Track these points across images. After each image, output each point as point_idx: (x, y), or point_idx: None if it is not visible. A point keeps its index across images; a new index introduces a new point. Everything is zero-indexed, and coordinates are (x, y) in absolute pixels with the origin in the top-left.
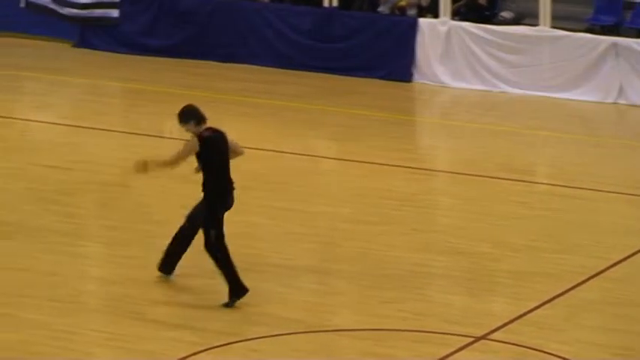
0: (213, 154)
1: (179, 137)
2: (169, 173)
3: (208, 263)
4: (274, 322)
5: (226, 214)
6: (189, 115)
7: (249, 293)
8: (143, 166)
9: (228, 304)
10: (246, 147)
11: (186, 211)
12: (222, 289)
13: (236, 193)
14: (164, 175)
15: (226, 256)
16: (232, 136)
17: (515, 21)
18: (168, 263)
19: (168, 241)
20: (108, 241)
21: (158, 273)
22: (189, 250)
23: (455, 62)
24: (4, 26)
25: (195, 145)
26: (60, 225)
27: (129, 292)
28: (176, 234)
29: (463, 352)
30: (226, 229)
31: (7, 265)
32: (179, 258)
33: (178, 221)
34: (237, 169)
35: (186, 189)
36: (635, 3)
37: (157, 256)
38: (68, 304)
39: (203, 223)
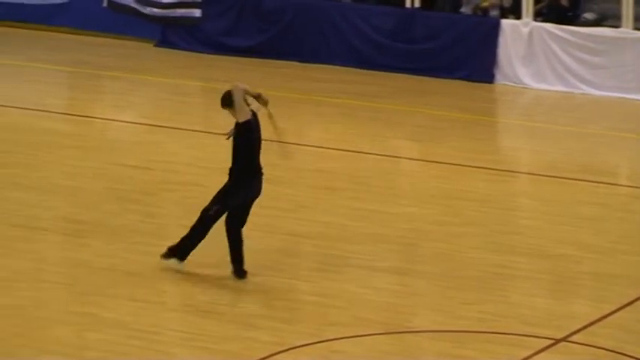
0: (247, 140)
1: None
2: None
3: (287, 265)
4: (355, 322)
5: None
6: (230, 100)
7: (331, 293)
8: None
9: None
10: (327, 147)
11: (260, 210)
12: (303, 288)
13: (264, 180)
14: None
15: (239, 239)
16: (316, 135)
17: (598, 22)
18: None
19: (246, 240)
20: None
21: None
22: (268, 251)
23: (537, 63)
24: (86, 25)
25: (246, 114)
26: (140, 224)
27: (208, 292)
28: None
29: (543, 354)
30: (308, 229)
31: (88, 265)
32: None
33: (255, 220)
34: (319, 168)
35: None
36: None
37: None
38: (148, 303)
39: (219, 196)
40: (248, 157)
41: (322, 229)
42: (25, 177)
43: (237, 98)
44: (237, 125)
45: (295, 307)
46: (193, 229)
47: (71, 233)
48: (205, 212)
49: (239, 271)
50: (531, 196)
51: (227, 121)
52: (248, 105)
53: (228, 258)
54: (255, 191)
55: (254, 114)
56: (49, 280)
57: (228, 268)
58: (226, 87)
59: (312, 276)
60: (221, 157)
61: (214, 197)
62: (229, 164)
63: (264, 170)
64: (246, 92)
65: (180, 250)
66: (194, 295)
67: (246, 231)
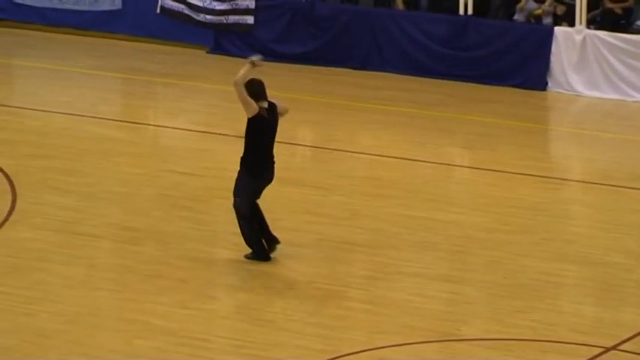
0: (258, 133)
1: (310, 144)
2: (296, 181)
3: (339, 272)
4: (405, 330)
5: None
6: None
7: (381, 301)
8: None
9: (247, 256)
10: (379, 155)
11: (311, 217)
12: (354, 296)
13: (276, 168)
14: (290, 182)
15: (251, 226)
16: (368, 143)
17: None
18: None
19: (294, 248)
20: (236, 249)
21: (285, 280)
22: (320, 259)
23: (589, 71)
24: (140, 32)
25: (254, 109)
26: (191, 231)
27: (258, 300)
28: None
29: None
30: (359, 237)
31: (139, 272)
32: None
33: (304, 228)
34: (371, 176)
35: (312, 196)
36: None
37: (285, 262)
38: (199, 310)
39: (235, 187)
40: (259, 149)
41: (374, 237)
42: (76, 183)
43: (240, 94)
44: (247, 120)
45: (346, 314)
46: (240, 227)
47: (123, 240)
48: (234, 207)
49: (262, 256)
50: (582, 204)
51: (280, 129)
52: (265, 98)
53: (293, 261)
54: (268, 179)
55: (270, 107)
56: (100, 286)
57: (284, 279)
58: (278, 94)
59: (363, 283)
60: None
61: (234, 189)
62: (283, 173)
63: (275, 159)
64: (244, 80)
65: (254, 251)
66: (244, 302)
67: (295, 237)
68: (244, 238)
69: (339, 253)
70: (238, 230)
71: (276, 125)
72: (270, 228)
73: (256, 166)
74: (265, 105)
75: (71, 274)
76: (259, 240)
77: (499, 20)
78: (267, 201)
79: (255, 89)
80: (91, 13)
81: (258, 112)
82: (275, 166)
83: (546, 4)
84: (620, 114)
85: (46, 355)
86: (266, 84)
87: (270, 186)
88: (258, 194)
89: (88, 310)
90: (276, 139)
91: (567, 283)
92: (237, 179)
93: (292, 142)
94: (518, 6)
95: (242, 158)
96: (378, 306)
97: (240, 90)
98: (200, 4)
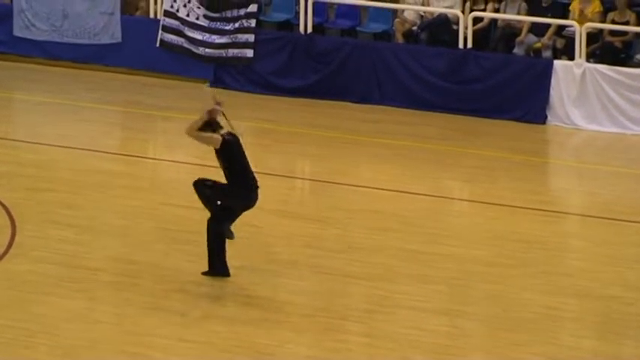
0: (233, 158)
1: (309, 177)
2: (294, 214)
3: (337, 305)
4: None
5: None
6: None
7: (379, 334)
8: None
9: (205, 273)
10: (379, 188)
11: (309, 251)
12: (353, 329)
13: (260, 192)
14: (288, 215)
15: (222, 242)
16: (367, 176)
17: None
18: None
19: (292, 281)
20: (235, 281)
21: (285, 313)
22: (318, 292)
23: (589, 104)
24: (139, 65)
25: (218, 139)
26: (190, 265)
27: (257, 332)
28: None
29: None
30: (358, 270)
31: (138, 305)
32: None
33: (303, 261)
34: (370, 209)
35: (312, 229)
36: None
37: (283, 296)
38: (198, 344)
39: (213, 197)
40: (239, 172)
41: (372, 270)
42: (76, 216)
43: (198, 138)
44: (217, 152)
45: (344, 347)
46: (211, 242)
47: (122, 273)
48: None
49: (215, 271)
50: (582, 238)
51: (280, 162)
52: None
53: (291, 295)
54: (254, 199)
55: (229, 132)
56: (100, 319)
57: (282, 311)
58: (277, 127)
59: (362, 316)
60: (274, 197)
61: (214, 207)
62: (282, 205)
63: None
64: (196, 126)
65: (211, 264)
66: (243, 335)
67: (293, 270)
68: (211, 253)
69: (337, 285)
70: (237, 263)
71: (243, 151)
72: (268, 260)
73: (242, 189)
74: (224, 131)
75: (71, 307)
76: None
77: (498, 53)
78: (265, 233)
79: (212, 123)
80: (90, 46)
81: (223, 139)
82: (259, 190)
83: (546, 37)
84: (620, 147)
85: None
86: (264, 117)
87: (268, 218)
88: (237, 216)
89: (88, 343)
90: (275, 171)
91: (567, 316)
92: (223, 197)
93: (291, 175)
94: (518, 39)
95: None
96: (377, 339)
97: (196, 135)
98: (200, 37)
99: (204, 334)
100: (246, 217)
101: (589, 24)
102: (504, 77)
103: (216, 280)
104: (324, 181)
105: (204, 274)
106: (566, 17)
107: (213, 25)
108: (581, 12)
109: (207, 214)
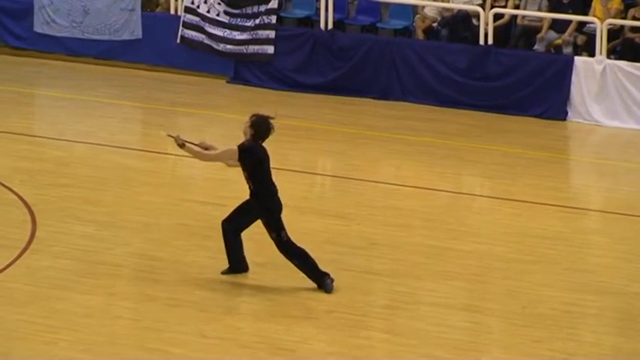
0: (255, 163)
1: (330, 174)
2: (315, 210)
3: (359, 302)
4: None
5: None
6: (257, 125)
7: (401, 330)
8: (179, 142)
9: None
10: (400, 184)
11: (332, 247)
12: (374, 325)
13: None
14: (309, 211)
15: (301, 252)
16: (388, 172)
17: None
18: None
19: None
20: (257, 277)
21: (306, 309)
22: (339, 288)
23: (609, 101)
24: (160, 61)
25: (234, 153)
26: (211, 261)
27: (278, 329)
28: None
29: None
30: (379, 266)
31: (159, 300)
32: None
33: (324, 257)
34: (391, 205)
35: (332, 225)
36: None
37: (305, 292)
38: (219, 340)
39: (270, 230)
40: (265, 178)
41: (393, 266)
42: (97, 212)
43: (218, 159)
44: (242, 159)
45: (366, 344)
46: (297, 264)
47: (142, 269)
48: (281, 249)
49: (327, 281)
50: (603, 234)
51: (300, 158)
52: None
53: (312, 291)
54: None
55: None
56: (120, 315)
57: (304, 308)
58: (298, 124)
59: (383, 313)
60: (292, 192)
61: (273, 229)
62: (303, 202)
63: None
64: (203, 149)
65: (315, 281)
66: (264, 331)
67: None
68: (309, 275)
69: (358, 282)
70: (258, 259)
71: (268, 157)
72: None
73: (268, 195)
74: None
75: (91, 303)
76: (319, 270)
77: (519, 50)
78: (287, 230)
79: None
80: (111, 42)
81: (243, 144)
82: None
83: (566, 34)
84: None
85: None
86: (284, 114)
87: (289, 215)
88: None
89: (108, 339)
90: (296, 168)
91: (588, 313)
92: (266, 219)
93: (312, 171)
94: (539, 36)
95: (253, 193)
96: (398, 335)
97: (213, 156)
98: (220, 33)
99: (225, 330)
100: None
101: (610, 20)
102: (525, 74)
103: (237, 277)
104: (345, 178)
105: (224, 272)
106: (586, 14)
107: (233, 21)
108: (605, 7)
109: (231, 209)
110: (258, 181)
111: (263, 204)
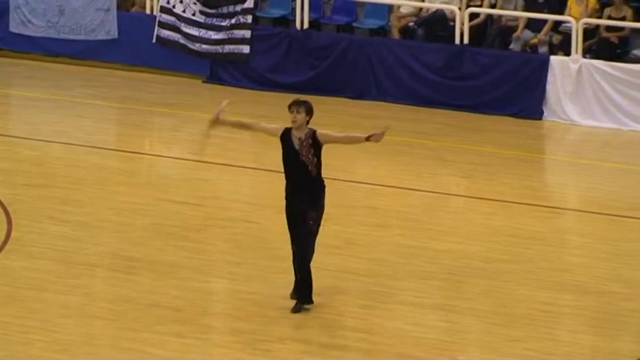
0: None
1: None
2: None
3: (335, 301)
4: (402, 359)
5: (356, 251)
6: (311, 109)
7: (378, 330)
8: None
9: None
10: (377, 184)
11: None
12: (350, 325)
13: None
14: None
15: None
16: (365, 172)
17: None
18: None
19: (291, 277)
20: (233, 277)
21: (282, 309)
22: (316, 288)
23: (585, 100)
24: (136, 61)
25: (280, 129)
26: (187, 261)
27: (255, 329)
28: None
29: None
30: (356, 266)
31: (135, 301)
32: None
33: None
34: (368, 205)
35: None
36: None
37: (281, 291)
38: (195, 339)
39: (317, 225)
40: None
41: (370, 266)
42: (73, 212)
43: (256, 128)
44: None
45: (343, 343)
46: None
47: (118, 269)
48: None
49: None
50: (579, 233)
51: (277, 158)
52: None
53: (288, 291)
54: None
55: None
56: (96, 315)
57: (279, 307)
58: (273, 123)
59: (360, 312)
60: (269, 192)
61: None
62: (280, 201)
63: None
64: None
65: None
66: (241, 331)
67: (291, 266)
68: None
69: (335, 281)
70: (233, 259)
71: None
72: (266, 256)
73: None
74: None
75: (67, 303)
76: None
77: (495, 49)
78: (263, 229)
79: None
80: (87, 42)
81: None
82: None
83: (542, 33)
84: (617, 143)
85: None
86: (260, 113)
87: (266, 214)
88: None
89: (84, 339)
90: (273, 168)
91: (564, 312)
92: (317, 214)
93: None
94: (514, 35)
95: (313, 183)
96: (375, 335)
97: (259, 129)
98: (196, 33)
99: (201, 330)
100: (243, 213)
101: (585, 20)
102: (501, 73)
103: (213, 277)
104: (323, 177)
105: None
106: (562, 13)
107: (209, 21)
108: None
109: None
110: (320, 170)
111: (321, 197)
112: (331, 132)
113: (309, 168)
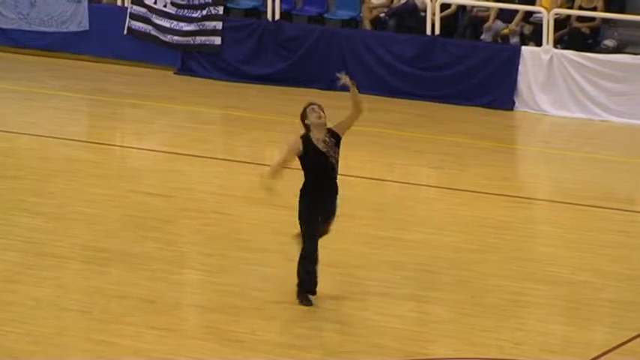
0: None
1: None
2: (263, 200)
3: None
4: (373, 349)
5: (326, 242)
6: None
7: (349, 320)
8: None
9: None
10: (347, 175)
11: (280, 238)
12: (322, 316)
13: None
14: (257, 201)
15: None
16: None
17: (618, 49)
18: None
19: (262, 268)
20: (205, 269)
21: (254, 300)
22: (287, 279)
23: (557, 90)
24: (107, 52)
25: (297, 143)
26: (159, 252)
27: (227, 320)
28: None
29: None
30: (327, 257)
31: (107, 292)
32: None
33: (272, 248)
34: (339, 196)
35: (280, 216)
36: None
37: (253, 283)
38: (167, 331)
39: (331, 223)
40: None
41: (341, 257)
42: (44, 204)
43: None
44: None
45: (314, 334)
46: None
47: (90, 261)
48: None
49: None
50: (550, 223)
51: (249, 149)
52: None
53: (260, 282)
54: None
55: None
56: (68, 307)
57: (249, 298)
58: (246, 115)
59: (331, 303)
60: (241, 184)
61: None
62: (251, 192)
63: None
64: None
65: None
66: (213, 322)
67: (263, 257)
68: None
69: None
70: (205, 250)
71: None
72: (237, 248)
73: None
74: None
75: (39, 295)
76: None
77: (466, 40)
78: (234, 220)
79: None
80: (57, 34)
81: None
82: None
83: (513, 23)
84: (588, 133)
85: None
86: (232, 105)
87: (237, 205)
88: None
89: (57, 330)
90: (244, 159)
91: (536, 302)
92: (334, 214)
93: (260, 162)
94: (486, 26)
95: (335, 183)
96: (346, 325)
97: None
98: (167, 25)
99: (173, 322)
100: (215, 204)
101: (556, 10)
102: (472, 64)
103: (185, 268)
104: (294, 169)
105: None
106: (533, 3)
107: (180, 12)
108: None
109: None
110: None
111: (336, 197)
112: (336, 123)
113: (336, 167)
